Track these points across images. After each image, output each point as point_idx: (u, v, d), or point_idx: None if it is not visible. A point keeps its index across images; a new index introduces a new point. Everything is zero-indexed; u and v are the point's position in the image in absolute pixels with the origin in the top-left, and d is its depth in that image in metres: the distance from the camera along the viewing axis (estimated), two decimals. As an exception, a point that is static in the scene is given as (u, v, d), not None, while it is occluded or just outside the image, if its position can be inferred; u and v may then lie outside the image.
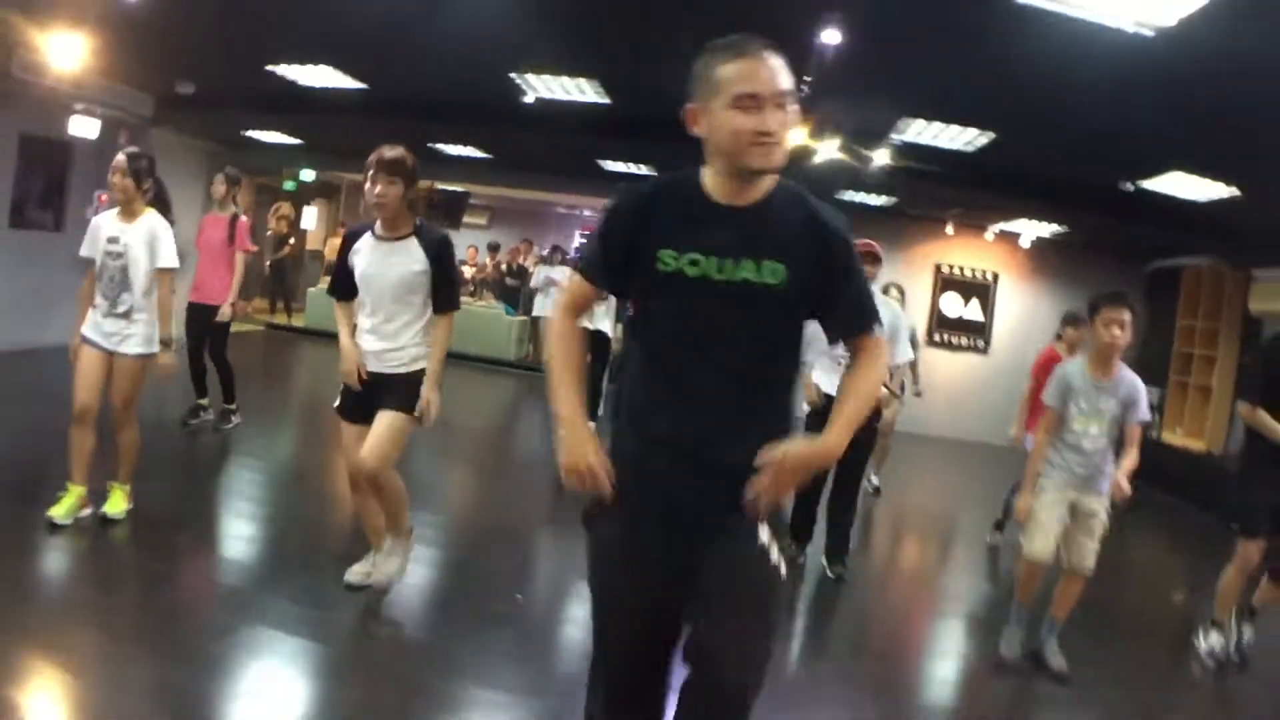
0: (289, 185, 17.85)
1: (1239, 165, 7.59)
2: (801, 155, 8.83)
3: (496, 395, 13.33)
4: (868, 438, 6.18)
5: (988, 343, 14.24)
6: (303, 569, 5.11)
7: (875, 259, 5.89)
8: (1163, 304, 13.05)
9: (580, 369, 2.62)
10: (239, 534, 5.71)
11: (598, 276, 2.57)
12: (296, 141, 14.07)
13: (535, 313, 15.09)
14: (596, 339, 9.38)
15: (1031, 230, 13.08)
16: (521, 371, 14.96)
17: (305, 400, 12.11)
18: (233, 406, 8.00)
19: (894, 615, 6.32)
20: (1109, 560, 7.65)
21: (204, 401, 7.93)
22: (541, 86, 8.62)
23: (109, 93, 10.35)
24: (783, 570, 2.52)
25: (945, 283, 14.30)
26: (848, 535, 6.29)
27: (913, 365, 8.28)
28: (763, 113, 2.30)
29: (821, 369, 6.06)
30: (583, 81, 8.36)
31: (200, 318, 7.61)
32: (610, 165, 12.84)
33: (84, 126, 10.37)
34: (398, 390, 4.52)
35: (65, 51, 7.65)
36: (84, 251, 5.18)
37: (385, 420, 4.47)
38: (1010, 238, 13.57)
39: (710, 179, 2.44)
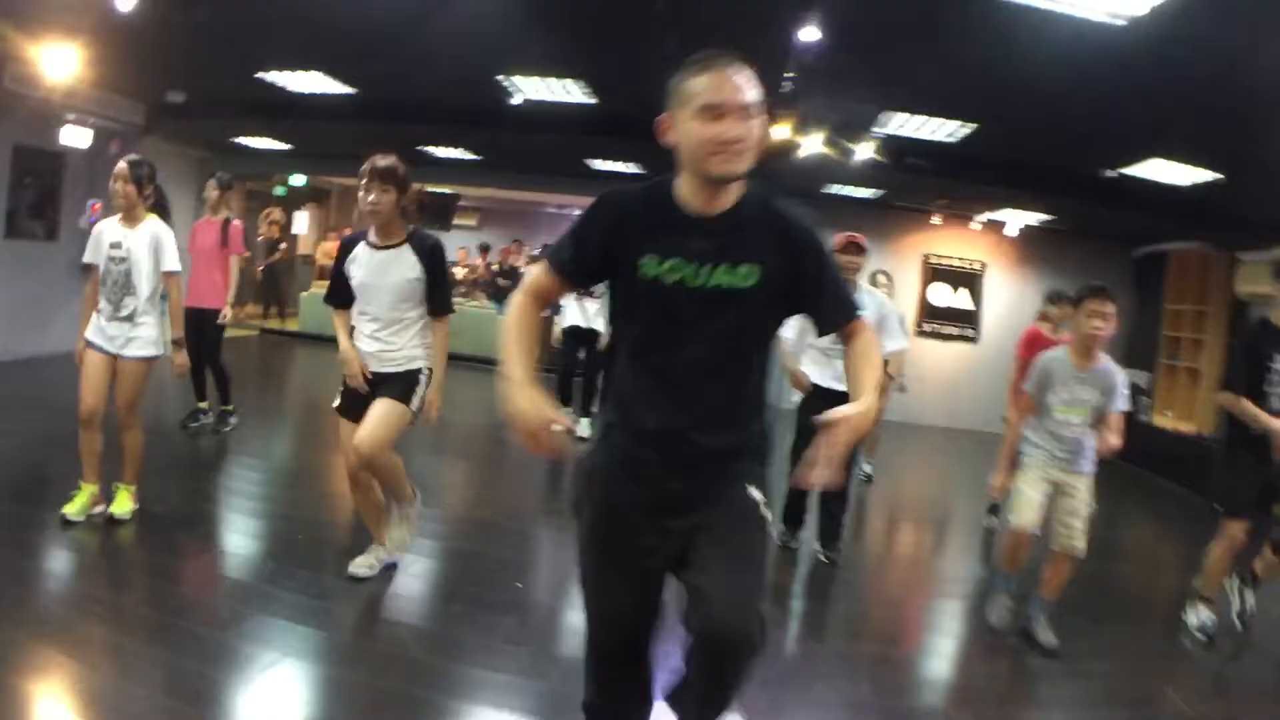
0: (279, 190, 17.90)
1: (1219, 149, 7.69)
2: (786, 150, 8.94)
3: (490, 394, 13.32)
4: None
5: (978, 331, 14.36)
6: (306, 562, 5.21)
7: (860, 249, 6.00)
8: (1150, 289, 13.20)
9: (533, 343, 2.71)
10: (242, 530, 5.80)
11: (568, 271, 2.69)
12: (286, 147, 14.12)
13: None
14: (591, 336, 9.47)
15: (1018, 219, 13.17)
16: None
17: (302, 402, 12.18)
18: (230, 408, 8.10)
19: (888, 597, 6.42)
20: (1100, 540, 7.76)
21: (203, 405, 8.03)
22: (529, 88, 8.70)
23: (100, 102, 10.41)
24: (772, 528, 2.66)
25: (934, 273, 14.40)
26: (840, 521, 6.39)
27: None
28: (725, 122, 2.42)
29: (810, 360, 6.17)
30: (569, 83, 8.43)
31: (195, 322, 7.70)
32: (598, 165, 12.91)
33: (76, 136, 10.43)
34: (393, 383, 4.69)
35: (57, 62, 7.72)
36: (87, 257, 5.30)
37: (380, 407, 4.63)
38: (997, 227, 13.65)
39: (683, 187, 2.57)
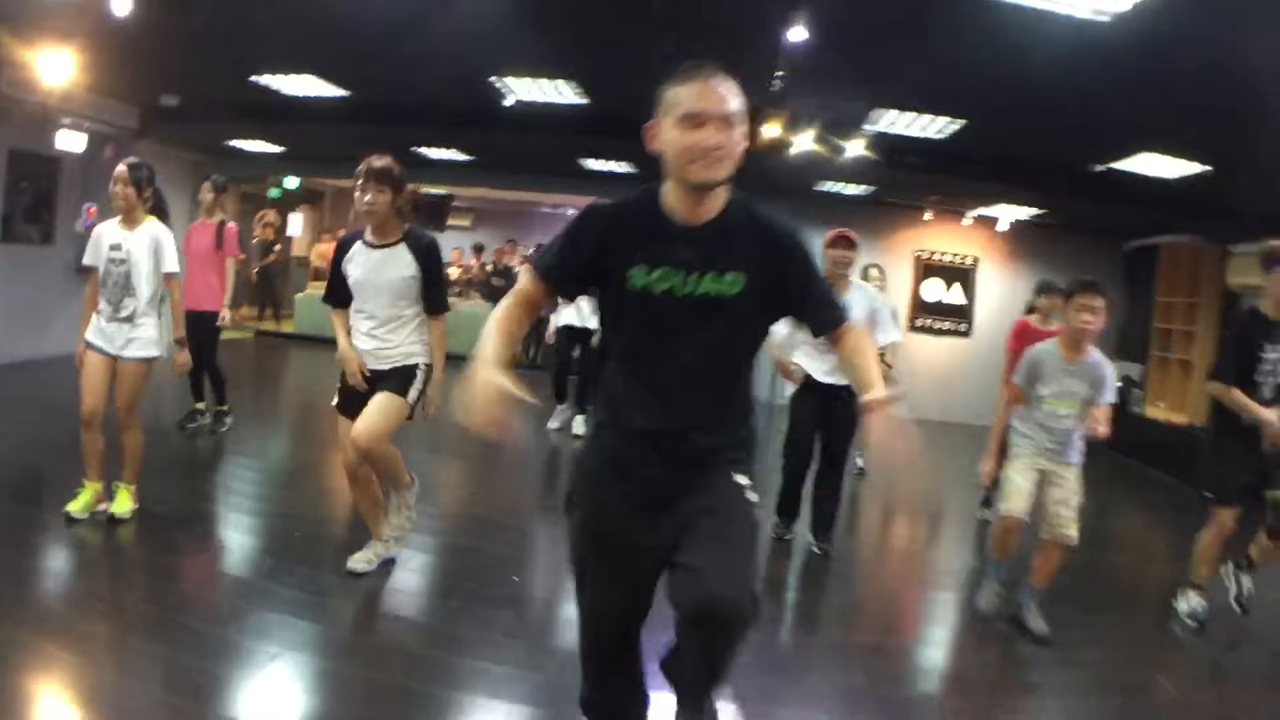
0: (273, 193, 17.94)
1: (1206, 143, 7.76)
2: (778, 148, 9.00)
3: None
4: (852, 419, 6.38)
5: (970, 326, 14.44)
6: (304, 559, 5.27)
7: (851, 244, 6.06)
8: (1142, 282, 13.29)
9: (512, 341, 2.74)
10: (240, 529, 5.86)
11: (553, 279, 2.74)
12: (280, 149, 14.12)
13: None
14: (585, 334, 9.52)
15: (1009, 214, 13.24)
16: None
17: (297, 403, 12.24)
18: (225, 409, 8.16)
19: (881, 587, 6.49)
20: (1092, 530, 7.81)
21: (200, 405, 8.09)
22: (521, 89, 8.75)
23: (95, 106, 10.44)
24: (758, 510, 2.71)
25: (926, 268, 14.48)
26: (834, 513, 6.46)
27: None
28: (704, 131, 2.49)
29: (804, 354, 6.23)
30: (561, 83, 8.49)
31: (192, 325, 7.71)
32: (591, 164, 12.96)
33: (71, 140, 10.46)
34: (391, 378, 4.76)
35: (53, 67, 7.76)
36: (87, 260, 5.36)
37: (378, 400, 4.70)
38: (989, 222, 13.73)
39: (669, 196, 2.63)
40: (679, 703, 2.84)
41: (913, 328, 14.16)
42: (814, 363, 6.17)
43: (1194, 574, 5.60)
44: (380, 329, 4.77)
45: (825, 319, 2.75)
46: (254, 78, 9.08)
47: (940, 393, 13.68)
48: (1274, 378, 5.27)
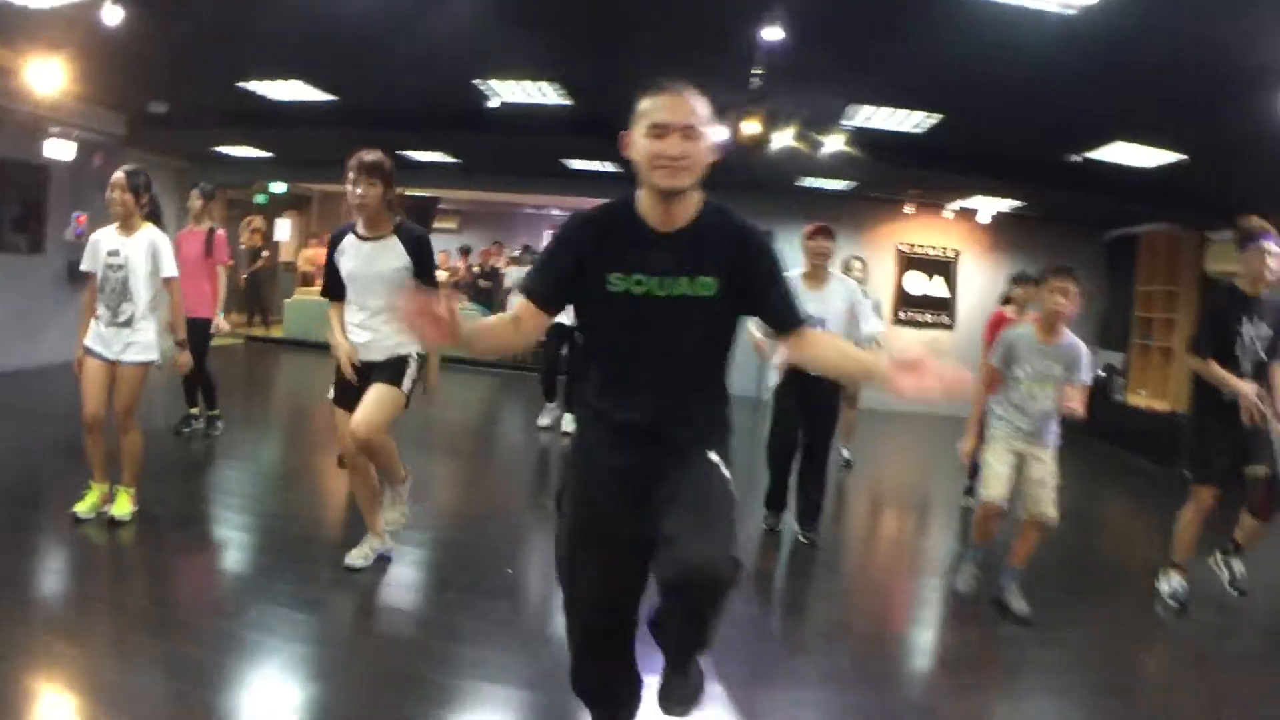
0: (260, 198, 17.97)
1: (1179, 132, 7.87)
2: (759, 145, 9.11)
3: (476, 393, 13.55)
4: (833, 409, 6.54)
5: (953, 318, 14.59)
6: (302, 557, 5.38)
7: (830, 236, 6.21)
8: (1122, 271, 13.43)
9: (489, 334, 2.88)
10: (238, 529, 5.94)
11: (538, 297, 2.85)
12: (267, 155, 14.21)
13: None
14: (574, 333, 9.62)
15: (989, 206, 13.38)
16: (499, 371, 15.22)
17: (289, 407, 12.32)
18: (216, 414, 8.25)
19: (866, 574, 6.64)
20: (1076, 515, 7.98)
21: (194, 410, 8.16)
22: (505, 91, 8.84)
23: (83, 115, 10.50)
24: (732, 485, 2.84)
25: (908, 261, 14.63)
26: (819, 503, 6.59)
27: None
28: (668, 140, 2.64)
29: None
30: (544, 85, 8.58)
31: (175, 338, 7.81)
32: (575, 164, 13.06)
33: (60, 149, 10.50)
34: (385, 369, 4.88)
35: (42, 76, 7.83)
36: (84, 266, 5.46)
37: (374, 392, 4.82)
38: (969, 215, 13.86)
39: (644, 203, 2.79)
40: (665, 664, 2.96)
41: (897, 321, 14.30)
42: (797, 355, 6.29)
43: (1174, 553, 5.67)
44: (374, 319, 4.87)
45: (787, 318, 2.88)
46: (241, 84, 9.14)
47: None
48: (1253, 353, 5.37)
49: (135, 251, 5.41)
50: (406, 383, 4.91)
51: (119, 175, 5.42)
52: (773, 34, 6.05)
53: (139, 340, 5.45)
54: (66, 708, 3.52)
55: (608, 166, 12.60)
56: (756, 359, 6.35)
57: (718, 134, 2.74)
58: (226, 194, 16.32)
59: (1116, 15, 5.27)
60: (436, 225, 18.82)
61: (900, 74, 7.20)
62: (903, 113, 8.41)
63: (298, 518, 6.29)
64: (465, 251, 19.47)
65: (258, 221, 16.65)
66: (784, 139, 9.07)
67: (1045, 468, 5.19)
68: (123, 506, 5.51)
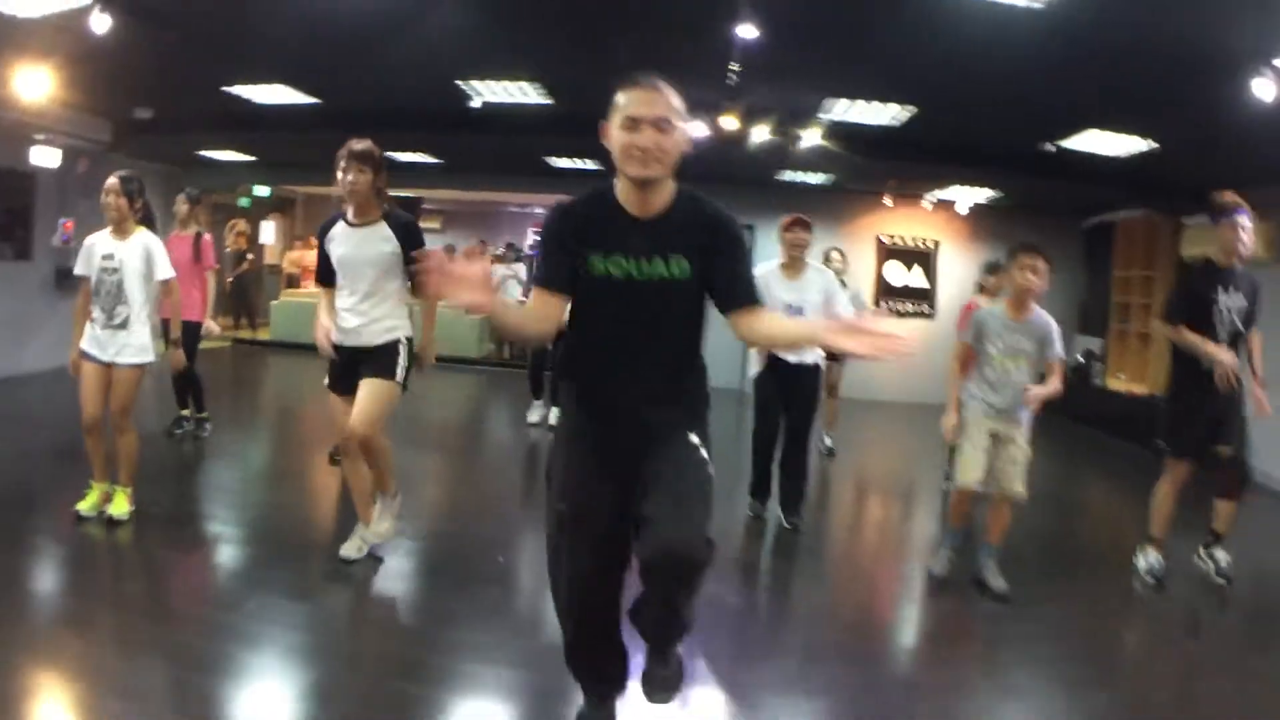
0: (244, 202, 18.00)
1: (1148, 120, 8.02)
2: (737, 140, 9.25)
3: (463, 391, 13.65)
4: (813, 394, 6.67)
5: (934, 308, 14.73)
6: (296, 550, 5.51)
7: (806, 227, 6.35)
8: (1100, 258, 13.57)
9: (523, 316, 3.02)
10: (233, 525, 6.06)
11: (556, 285, 2.98)
12: (251, 159, 14.28)
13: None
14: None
15: (967, 196, 13.50)
16: (486, 368, 15.35)
17: (279, 408, 12.42)
18: (205, 415, 8.33)
19: (849, 556, 6.78)
20: (1056, 497, 8.12)
21: (185, 412, 8.25)
22: (487, 91, 8.92)
23: (68, 121, 10.54)
24: (710, 466, 2.98)
25: (888, 252, 14.77)
26: (802, 489, 6.73)
27: None
28: (641, 132, 2.79)
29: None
30: (525, 85, 8.67)
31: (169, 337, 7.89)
32: (557, 162, 13.15)
33: (46, 156, 10.57)
34: (377, 360, 5.01)
35: (28, 84, 7.90)
36: (78, 270, 5.58)
37: (368, 387, 4.95)
38: (948, 205, 14.00)
39: (621, 191, 2.94)
40: (647, 653, 3.12)
41: (877, 311, 14.39)
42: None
43: (1152, 527, 5.78)
44: (363, 303, 4.99)
45: (740, 295, 2.99)
46: (225, 88, 9.20)
47: (905, 374, 13.93)
48: (1229, 323, 5.47)
49: (130, 255, 5.52)
50: (399, 372, 5.03)
51: (113, 180, 5.53)
52: (748, 31, 6.16)
53: (134, 342, 5.57)
54: (72, 696, 3.61)
55: (589, 164, 12.70)
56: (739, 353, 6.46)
57: (691, 127, 2.88)
58: (211, 198, 16.35)
59: (1081, 7, 5.41)
60: (420, 225, 18.80)
61: (874, 68, 7.33)
62: (877, 105, 8.52)
63: (290, 514, 6.42)
64: (450, 250, 19.49)
65: (242, 225, 16.69)
66: (762, 134, 9.20)
67: (1017, 446, 5.31)
68: (120, 506, 5.62)
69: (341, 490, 6.29)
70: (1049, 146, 9.29)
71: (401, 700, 3.73)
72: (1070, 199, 12.88)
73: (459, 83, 8.62)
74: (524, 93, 8.89)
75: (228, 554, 5.59)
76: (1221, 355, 5.38)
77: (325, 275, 5.15)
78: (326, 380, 5.21)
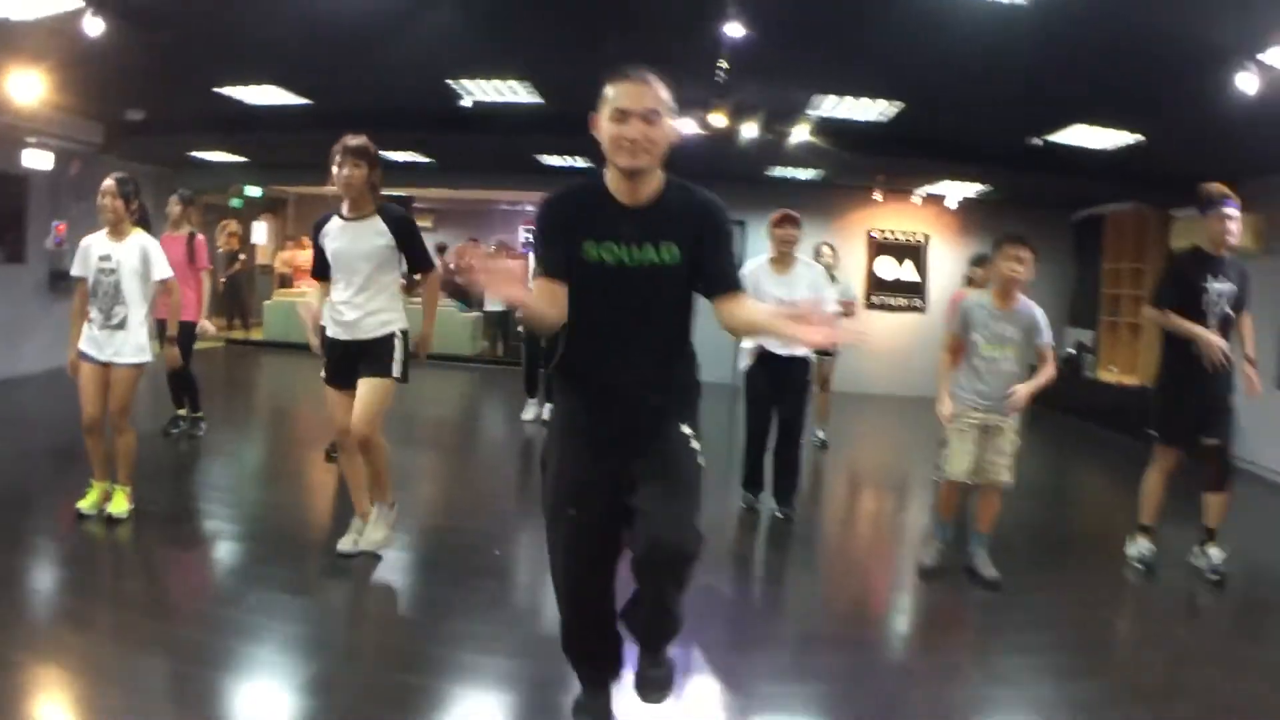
0: (235, 202, 18.01)
1: (1134, 114, 8.09)
2: (727, 137, 9.30)
3: (456, 389, 13.68)
4: (804, 387, 6.72)
5: (925, 301, 14.79)
6: (294, 546, 5.58)
7: (795, 223, 6.41)
8: (1090, 251, 13.66)
9: (539, 301, 3.00)
10: (231, 521, 6.10)
11: (559, 271, 3.01)
12: (243, 159, 14.29)
13: (487, 307, 15.77)
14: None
15: (956, 191, 13.57)
16: (478, 366, 15.41)
17: (273, 407, 12.46)
18: (199, 415, 8.37)
19: (841, 546, 6.85)
20: (1048, 489, 8.18)
21: (181, 413, 8.28)
22: (478, 91, 8.96)
23: (60, 124, 10.55)
24: (701, 457, 3.05)
25: (879, 247, 14.83)
26: (795, 481, 6.80)
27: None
28: (629, 124, 2.84)
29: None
30: (516, 84, 8.71)
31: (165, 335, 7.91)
32: (548, 160, 13.19)
33: (38, 159, 10.59)
34: (373, 356, 5.06)
35: (20, 87, 7.92)
36: (75, 271, 5.63)
37: (366, 386, 5.01)
38: (937, 200, 14.07)
39: (611, 180, 2.99)
40: (640, 654, 3.18)
41: (869, 305, 14.52)
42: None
43: (1141, 515, 5.85)
44: (359, 296, 5.04)
45: (722, 281, 3.04)
46: (216, 89, 9.22)
47: (897, 368, 14.04)
48: (1219, 309, 5.52)
49: (127, 256, 5.57)
50: (395, 367, 5.08)
51: (109, 182, 5.57)
52: (736, 29, 6.21)
53: (131, 342, 5.61)
54: (74, 692, 3.66)
55: (580, 162, 12.74)
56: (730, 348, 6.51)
57: (679, 119, 2.93)
58: (202, 199, 16.35)
59: (1065, 3, 5.48)
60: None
61: (862, 64, 7.39)
62: (865, 101, 8.57)
63: (287, 511, 6.48)
64: (441, 249, 19.54)
65: (233, 225, 16.65)
66: (751, 130, 9.25)
67: (1005, 436, 5.36)
68: (119, 504, 5.66)
69: (338, 486, 6.35)
70: (1036, 141, 9.35)
71: (401, 691, 3.77)
72: (1059, 193, 12.95)
73: (450, 82, 8.66)
74: (514, 92, 8.93)
75: (226, 550, 5.64)
76: (1210, 339, 5.43)
77: (321, 270, 5.20)
78: (323, 373, 5.26)
